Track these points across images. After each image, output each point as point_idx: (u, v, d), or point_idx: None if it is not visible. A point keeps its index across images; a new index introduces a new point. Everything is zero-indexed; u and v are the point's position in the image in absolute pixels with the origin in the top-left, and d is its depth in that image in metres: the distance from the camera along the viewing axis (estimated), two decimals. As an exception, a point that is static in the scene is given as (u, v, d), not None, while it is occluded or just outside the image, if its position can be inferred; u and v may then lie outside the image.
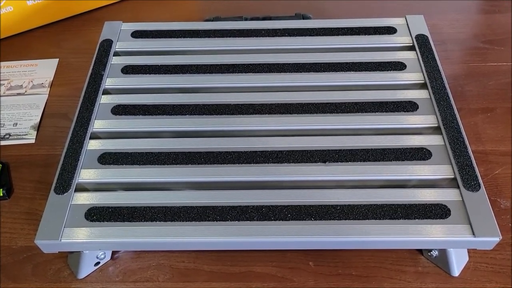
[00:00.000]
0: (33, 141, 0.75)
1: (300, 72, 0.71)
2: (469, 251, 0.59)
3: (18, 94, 0.82)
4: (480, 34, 0.90)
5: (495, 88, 0.80)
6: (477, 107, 0.77)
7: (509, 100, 0.78)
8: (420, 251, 0.60)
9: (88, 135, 0.63)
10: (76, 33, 0.93)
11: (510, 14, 0.94)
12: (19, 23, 0.91)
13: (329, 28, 0.78)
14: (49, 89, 0.83)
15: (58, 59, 0.88)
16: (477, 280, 0.58)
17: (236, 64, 0.72)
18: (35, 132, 0.76)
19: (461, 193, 0.55)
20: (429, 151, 0.60)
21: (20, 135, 0.75)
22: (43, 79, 0.84)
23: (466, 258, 0.59)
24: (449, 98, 0.66)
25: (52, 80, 0.84)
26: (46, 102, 0.80)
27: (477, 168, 0.57)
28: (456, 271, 0.58)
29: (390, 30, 0.77)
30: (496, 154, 0.70)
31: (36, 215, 0.65)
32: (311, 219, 0.54)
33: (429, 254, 0.59)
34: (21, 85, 0.83)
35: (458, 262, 0.58)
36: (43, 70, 0.86)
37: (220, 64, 0.72)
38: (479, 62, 0.85)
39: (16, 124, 0.77)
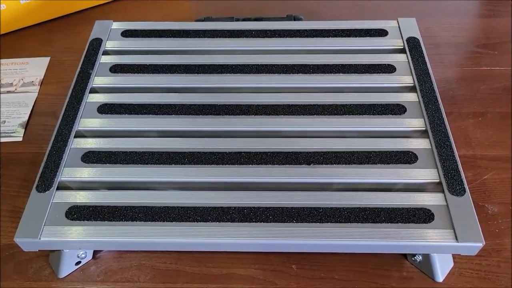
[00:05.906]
0: (20, 139, 0.74)
1: (289, 73, 0.71)
2: (454, 256, 0.59)
3: (8, 92, 0.82)
4: (475, 38, 0.90)
5: (487, 92, 0.79)
6: (468, 111, 0.76)
7: (501, 104, 0.77)
8: (405, 255, 0.59)
9: (73, 133, 0.63)
10: (68, 32, 0.93)
11: (506, 18, 0.93)
12: (11, 21, 0.91)
13: (320, 29, 0.77)
14: (39, 87, 0.83)
15: (49, 58, 0.88)
16: (462, 286, 0.57)
17: (225, 64, 0.72)
18: (23, 130, 0.75)
19: (445, 198, 0.55)
20: (415, 154, 0.59)
21: (7, 132, 0.75)
22: (34, 77, 0.84)
23: (451, 264, 0.58)
24: (437, 101, 0.65)
25: (43, 79, 0.84)
26: (35, 101, 0.80)
27: (463, 173, 0.57)
28: (440, 276, 0.57)
29: (382, 33, 0.77)
30: (485, 159, 0.69)
31: (19, 213, 0.63)
32: (293, 221, 0.53)
33: (413, 259, 0.58)
34: (11, 83, 0.83)
35: (442, 268, 0.57)
36: (34, 68, 0.86)
37: (210, 65, 0.72)
38: (472, 66, 0.84)
39: (5, 122, 0.77)
